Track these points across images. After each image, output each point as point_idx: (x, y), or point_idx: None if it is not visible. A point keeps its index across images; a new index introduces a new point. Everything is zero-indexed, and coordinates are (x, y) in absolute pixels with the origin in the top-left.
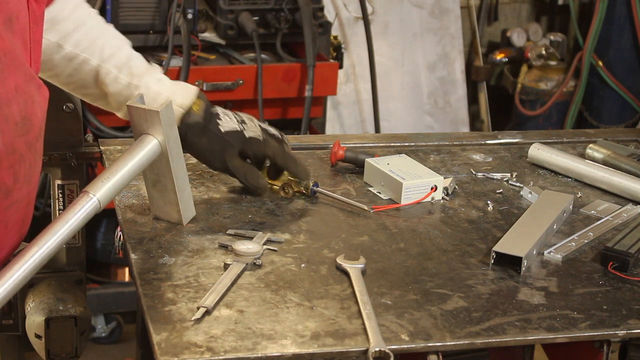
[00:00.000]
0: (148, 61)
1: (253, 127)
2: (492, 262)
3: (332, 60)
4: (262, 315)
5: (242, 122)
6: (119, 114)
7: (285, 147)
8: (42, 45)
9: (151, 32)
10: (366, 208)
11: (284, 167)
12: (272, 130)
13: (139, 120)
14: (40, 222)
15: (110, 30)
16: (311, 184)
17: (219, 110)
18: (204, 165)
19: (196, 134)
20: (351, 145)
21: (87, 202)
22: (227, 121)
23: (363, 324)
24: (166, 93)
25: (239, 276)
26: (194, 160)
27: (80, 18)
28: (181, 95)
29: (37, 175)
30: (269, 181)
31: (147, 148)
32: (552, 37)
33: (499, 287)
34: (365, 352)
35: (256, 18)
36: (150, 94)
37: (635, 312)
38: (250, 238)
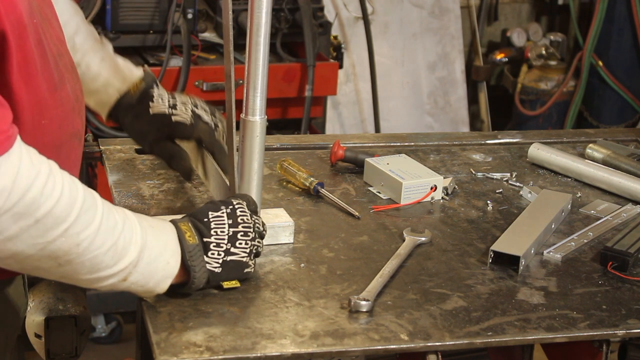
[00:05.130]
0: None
1: (183, 111)
2: (490, 261)
3: (332, 60)
4: (261, 315)
5: (173, 106)
6: None
7: (216, 133)
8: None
9: (151, 32)
10: (357, 214)
11: (210, 152)
12: (205, 117)
13: None
14: None
15: (63, 1)
16: (315, 183)
17: (157, 91)
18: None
19: (126, 114)
20: (351, 145)
21: None
22: (158, 104)
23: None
24: (106, 75)
25: None
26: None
27: None
28: (121, 79)
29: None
30: None
31: None
32: (552, 37)
33: (499, 287)
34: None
35: None
36: (90, 74)
37: (634, 312)
38: None
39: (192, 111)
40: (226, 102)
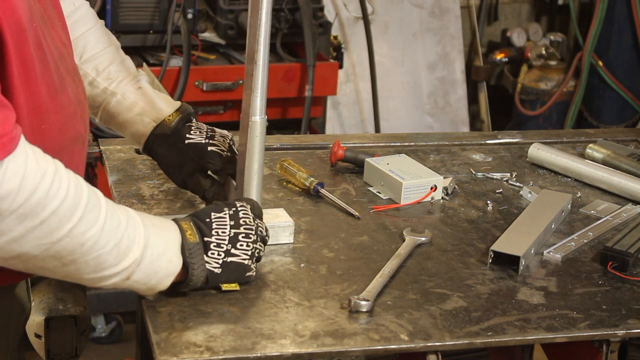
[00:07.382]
0: (143, 65)
1: (221, 142)
2: (490, 261)
3: (332, 60)
4: (261, 315)
5: (211, 137)
6: (96, 119)
7: None
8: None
9: (151, 32)
10: (357, 214)
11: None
12: None
13: None
14: None
15: (98, 30)
16: (315, 183)
17: (195, 124)
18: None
19: (160, 145)
20: (351, 145)
21: None
22: (195, 135)
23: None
24: (142, 105)
25: None
26: None
27: (79, 18)
28: (158, 109)
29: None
30: None
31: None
32: (552, 37)
33: (499, 287)
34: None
35: None
36: (126, 103)
37: (634, 312)
38: None
39: (230, 145)
40: (243, 102)
